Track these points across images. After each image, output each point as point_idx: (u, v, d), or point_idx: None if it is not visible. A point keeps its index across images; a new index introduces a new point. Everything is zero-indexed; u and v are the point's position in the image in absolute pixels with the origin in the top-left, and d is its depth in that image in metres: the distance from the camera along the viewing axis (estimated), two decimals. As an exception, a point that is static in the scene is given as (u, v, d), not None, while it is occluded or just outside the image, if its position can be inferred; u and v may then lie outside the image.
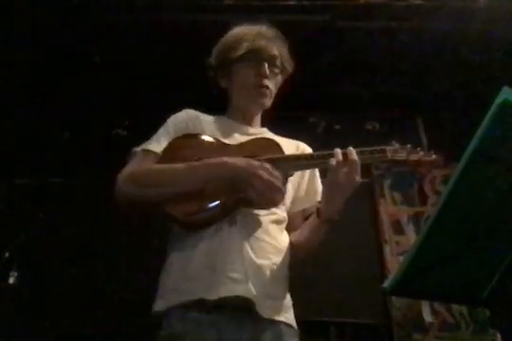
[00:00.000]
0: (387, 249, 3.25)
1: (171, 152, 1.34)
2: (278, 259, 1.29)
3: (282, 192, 1.24)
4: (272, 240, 1.30)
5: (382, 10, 2.81)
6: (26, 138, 3.48)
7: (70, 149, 3.46)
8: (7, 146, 3.35)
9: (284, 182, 1.28)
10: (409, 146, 1.31)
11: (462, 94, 3.35)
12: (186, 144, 1.36)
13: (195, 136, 1.39)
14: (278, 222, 1.35)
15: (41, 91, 3.34)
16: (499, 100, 0.77)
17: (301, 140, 1.57)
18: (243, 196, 1.24)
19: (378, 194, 3.43)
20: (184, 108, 1.51)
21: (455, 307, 3.04)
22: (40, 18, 2.85)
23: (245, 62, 1.42)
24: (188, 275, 1.21)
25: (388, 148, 1.29)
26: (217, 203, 1.25)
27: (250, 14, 2.72)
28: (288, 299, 1.31)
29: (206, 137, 1.39)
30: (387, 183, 3.46)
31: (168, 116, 1.49)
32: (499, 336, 2.69)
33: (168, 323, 1.19)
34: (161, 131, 1.43)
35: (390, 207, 3.42)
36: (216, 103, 1.50)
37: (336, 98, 3.42)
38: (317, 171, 1.51)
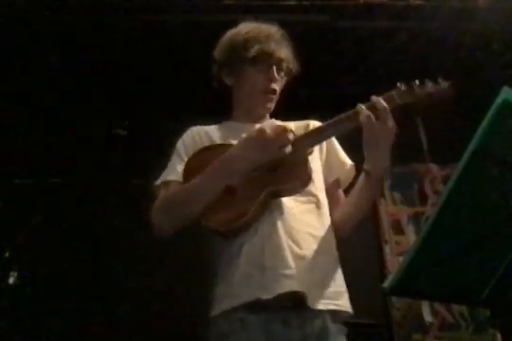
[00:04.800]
0: (387, 249, 3.26)
1: (190, 174, 1.33)
2: (320, 246, 1.29)
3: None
4: (311, 229, 1.30)
5: (382, 10, 2.81)
6: (26, 138, 3.48)
7: (70, 149, 3.46)
8: (7, 146, 3.35)
9: (306, 160, 1.27)
10: (416, 82, 1.24)
11: (462, 94, 3.35)
12: (200, 160, 1.35)
13: (206, 149, 1.39)
14: (313, 209, 1.34)
15: (40, 91, 3.34)
16: (499, 100, 0.77)
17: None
18: (275, 188, 1.25)
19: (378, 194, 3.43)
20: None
21: (455, 307, 3.04)
22: (40, 18, 2.85)
23: (255, 65, 1.44)
24: (237, 278, 1.23)
25: (394, 93, 1.25)
26: (252, 203, 1.24)
27: (250, 14, 2.72)
28: (339, 285, 1.30)
29: (216, 146, 1.40)
30: (387, 183, 3.46)
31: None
32: (499, 336, 2.69)
33: (214, 324, 1.22)
34: (174, 158, 1.44)
35: (390, 207, 3.42)
36: (215, 103, 1.50)
37: (336, 98, 3.41)
38: (334, 140, 1.50)
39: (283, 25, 1.51)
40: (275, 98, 1.49)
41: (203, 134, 1.46)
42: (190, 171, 1.34)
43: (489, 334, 2.94)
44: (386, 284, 0.84)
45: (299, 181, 1.26)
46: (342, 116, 1.28)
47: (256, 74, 1.44)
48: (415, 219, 3.36)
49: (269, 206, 1.27)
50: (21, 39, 2.95)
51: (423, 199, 3.44)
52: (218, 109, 1.55)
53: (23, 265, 2.95)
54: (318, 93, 3.35)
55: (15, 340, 2.75)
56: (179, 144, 1.47)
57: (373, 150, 1.23)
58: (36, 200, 3.28)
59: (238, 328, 1.17)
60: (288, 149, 1.23)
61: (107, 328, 2.90)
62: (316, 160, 1.40)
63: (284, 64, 1.47)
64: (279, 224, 1.26)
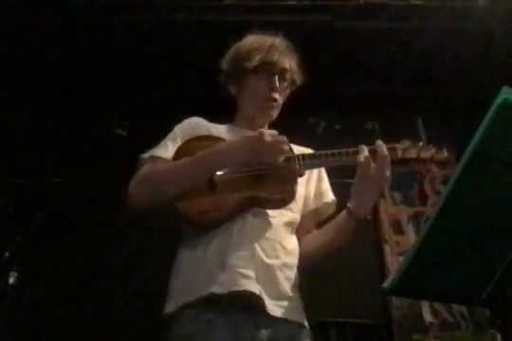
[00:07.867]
0: (387, 249, 3.25)
1: (182, 155, 1.34)
2: (287, 259, 1.30)
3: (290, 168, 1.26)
4: (282, 240, 1.31)
5: (382, 10, 2.81)
6: (26, 138, 3.48)
7: (70, 149, 3.46)
8: (7, 146, 3.35)
9: (295, 180, 1.29)
10: (420, 143, 1.29)
11: (462, 94, 3.35)
12: (197, 145, 1.36)
13: (206, 138, 1.41)
14: (289, 224, 1.36)
15: (41, 91, 3.34)
16: (499, 100, 0.77)
17: (301, 140, 1.56)
18: (256, 195, 1.26)
19: (378, 194, 3.43)
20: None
21: (455, 307, 3.04)
22: (40, 18, 2.86)
23: (257, 73, 1.45)
24: (199, 275, 1.22)
25: (398, 146, 1.28)
26: (230, 202, 1.26)
27: (250, 14, 2.72)
28: (299, 300, 1.31)
29: (216, 137, 1.41)
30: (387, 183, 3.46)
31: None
32: (499, 336, 2.69)
33: (179, 324, 1.19)
34: (168, 137, 1.44)
35: (390, 207, 3.42)
36: (215, 104, 1.51)
37: (336, 98, 3.42)
38: (324, 172, 1.53)
39: (283, 25, 1.51)
40: (276, 106, 1.49)
41: (202, 127, 1.48)
42: (180, 155, 1.35)
43: (489, 334, 2.93)
44: (386, 284, 0.84)
45: (281, 196, 1.28)
46: (343, 150, 1.29)
47: (258, 82, 1.46)
48: (415, 219, 3.36)
49: (246, 209, 1.28)
50: (21, 38, 2.95)
51: (423, 199, 3.43)
52: (219, 109, 1.55)
53: (23, 265, 2.95)
54: (318, 93, 3.35)
55: (15, 340, 2.75)
56: (177, 127, 1.48)
57: (361, 191, 1.26)
58: (36, 200, 3.28)
59: (205, 328, 1.15)
60: (280, 159, 1.24)
61: (107, 328, 2.90)
62: (301, 185, 1.40)
63: (288, 74, 1.48)
64: (251, 229, 1.26)
